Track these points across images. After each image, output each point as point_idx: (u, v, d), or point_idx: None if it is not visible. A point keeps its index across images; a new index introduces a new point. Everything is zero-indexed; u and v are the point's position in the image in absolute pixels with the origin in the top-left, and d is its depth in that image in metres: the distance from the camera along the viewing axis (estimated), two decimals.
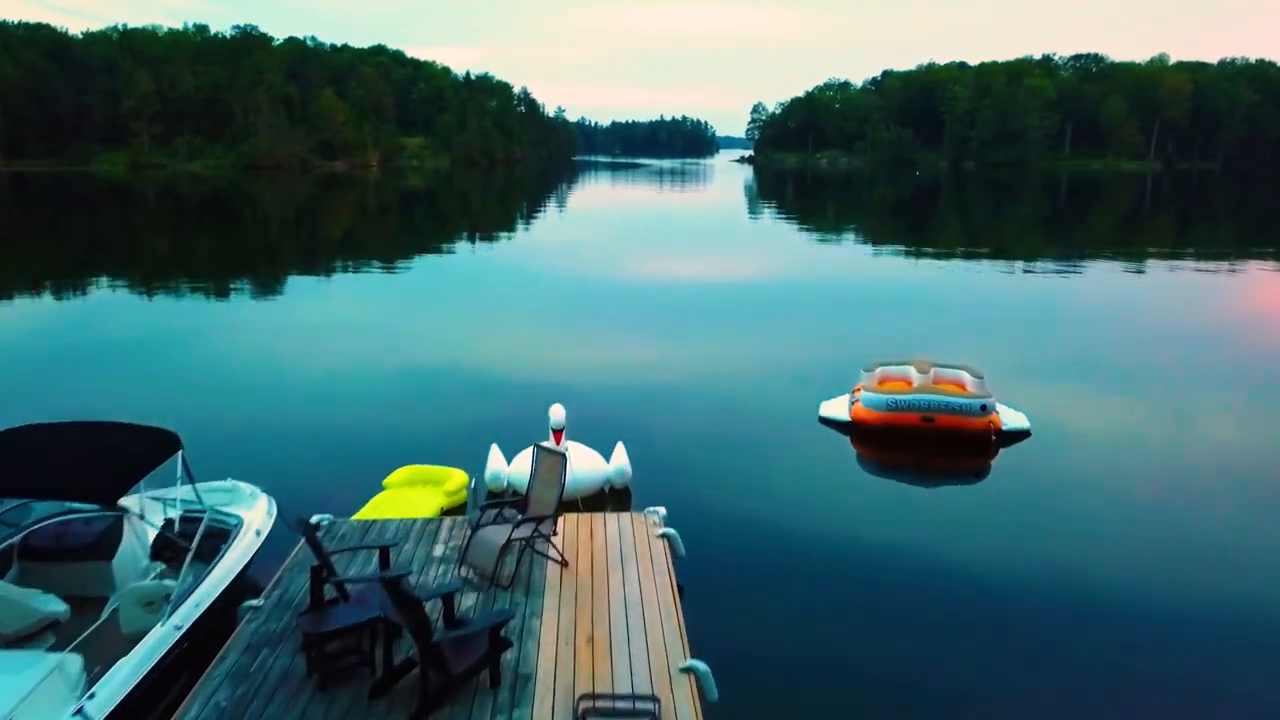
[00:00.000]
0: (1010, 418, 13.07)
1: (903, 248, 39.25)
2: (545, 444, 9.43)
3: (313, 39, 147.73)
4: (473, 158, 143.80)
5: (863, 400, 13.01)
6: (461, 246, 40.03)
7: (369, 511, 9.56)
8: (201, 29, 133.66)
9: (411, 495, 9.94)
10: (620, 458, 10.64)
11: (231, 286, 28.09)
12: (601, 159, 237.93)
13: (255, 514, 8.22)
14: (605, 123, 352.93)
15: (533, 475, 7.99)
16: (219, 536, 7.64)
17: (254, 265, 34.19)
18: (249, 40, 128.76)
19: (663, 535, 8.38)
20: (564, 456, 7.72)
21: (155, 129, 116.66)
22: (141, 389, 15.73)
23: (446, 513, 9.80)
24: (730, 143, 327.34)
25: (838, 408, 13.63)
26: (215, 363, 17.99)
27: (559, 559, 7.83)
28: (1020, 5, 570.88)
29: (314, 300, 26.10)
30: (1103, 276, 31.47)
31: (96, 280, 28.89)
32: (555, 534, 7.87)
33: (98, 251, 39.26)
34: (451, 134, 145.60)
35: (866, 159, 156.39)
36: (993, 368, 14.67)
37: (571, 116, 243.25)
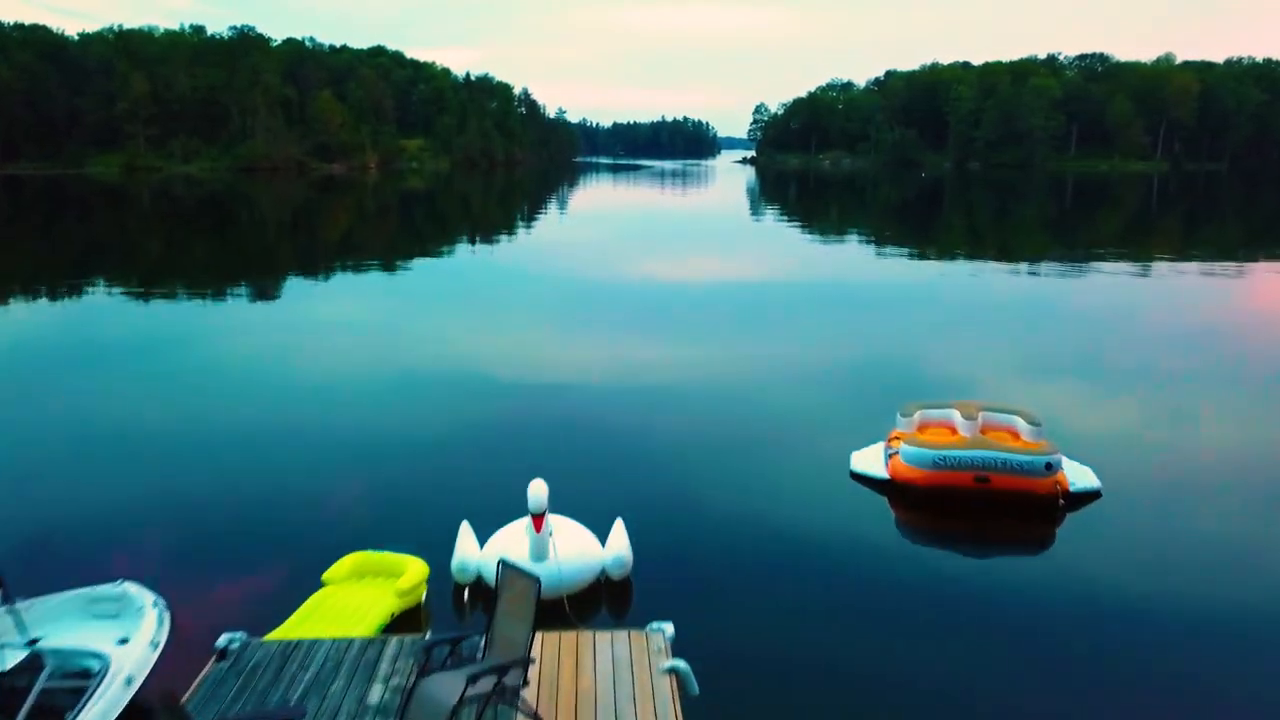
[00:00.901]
0: (1077, 475, 11.08)
1: (912, 251, 37.24)
2: (514, 546, 7.69)
3: (311, 40, 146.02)
4: (473, 159, 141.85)
5: (903, 455, 11.01)
6: (454, 255, 37.99)
7: (298, 622, 7.56)
8: (198, 30, 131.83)
9: (357, 595, 7.97)
10: (619, 540, 8.67)
11: (204, 295, 26.07)
12: (603, 160, 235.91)
13: (132, 647, 6.21)
14: (606, 124, 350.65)
15: (496, 602, 6.02)
16: (69, 695, 5.67)
17: (236, 271, 32.16)
18: (246, 41, 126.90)
19: (669, 669, 6.44)
20: (537, 581, 5.75)
21: (150, 131, 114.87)
22: (25, 433, 13.35)
23: (399, 619, 7.84)
24: (732, 143, 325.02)
25: (873, 461, 11.65)
26: (127, 386, 15.57)
27: (531, 717, 5.87)
28: (1024, 5, 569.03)
29: (282, 313, 24.10)
30: (1129, 283, 29.45)
31: (74, 286, 26.98)
32: (526, 684, 5.92)
33: (92, 253, 37.66)
34: (451, 135, 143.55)
35: (870, 160, 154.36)
36: (1034, 399, 12.75)
37: (572, 117, 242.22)
